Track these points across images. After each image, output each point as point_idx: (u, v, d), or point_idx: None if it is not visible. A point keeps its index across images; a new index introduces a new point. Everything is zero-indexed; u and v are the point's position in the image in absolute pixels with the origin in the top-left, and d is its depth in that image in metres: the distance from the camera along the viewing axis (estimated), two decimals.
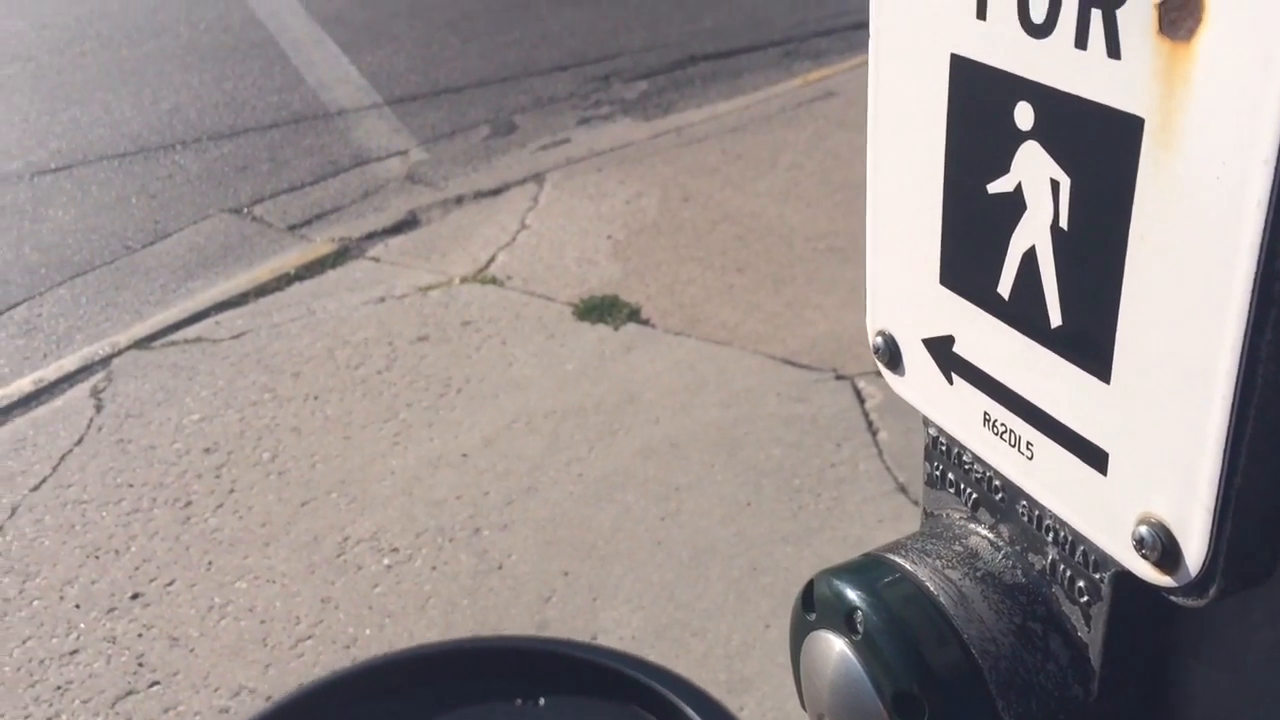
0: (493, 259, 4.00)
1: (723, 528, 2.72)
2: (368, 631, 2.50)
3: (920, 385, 0.53)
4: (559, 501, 2.84)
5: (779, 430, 3.02)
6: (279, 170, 4.83)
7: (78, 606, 2.61)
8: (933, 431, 0.55)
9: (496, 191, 4.51)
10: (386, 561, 2.69)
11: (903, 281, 0.52)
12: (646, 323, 3.56)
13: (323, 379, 3.38)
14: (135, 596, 2.63)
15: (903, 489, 2.78)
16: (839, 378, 3.21)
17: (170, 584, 2.66)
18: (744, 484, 2.85)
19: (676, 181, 4.45)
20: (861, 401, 3.10)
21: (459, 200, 4.47)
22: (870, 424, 3.01)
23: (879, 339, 0.55)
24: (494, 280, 3.86)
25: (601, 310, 3.63)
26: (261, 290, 3.88)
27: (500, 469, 2.97)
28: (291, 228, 4.40)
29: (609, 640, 2.43)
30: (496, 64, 5.78)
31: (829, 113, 4.93)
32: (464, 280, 3.87)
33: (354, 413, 3.23)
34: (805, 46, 5.80)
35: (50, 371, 3.50)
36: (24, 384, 3.45)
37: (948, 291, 0.50)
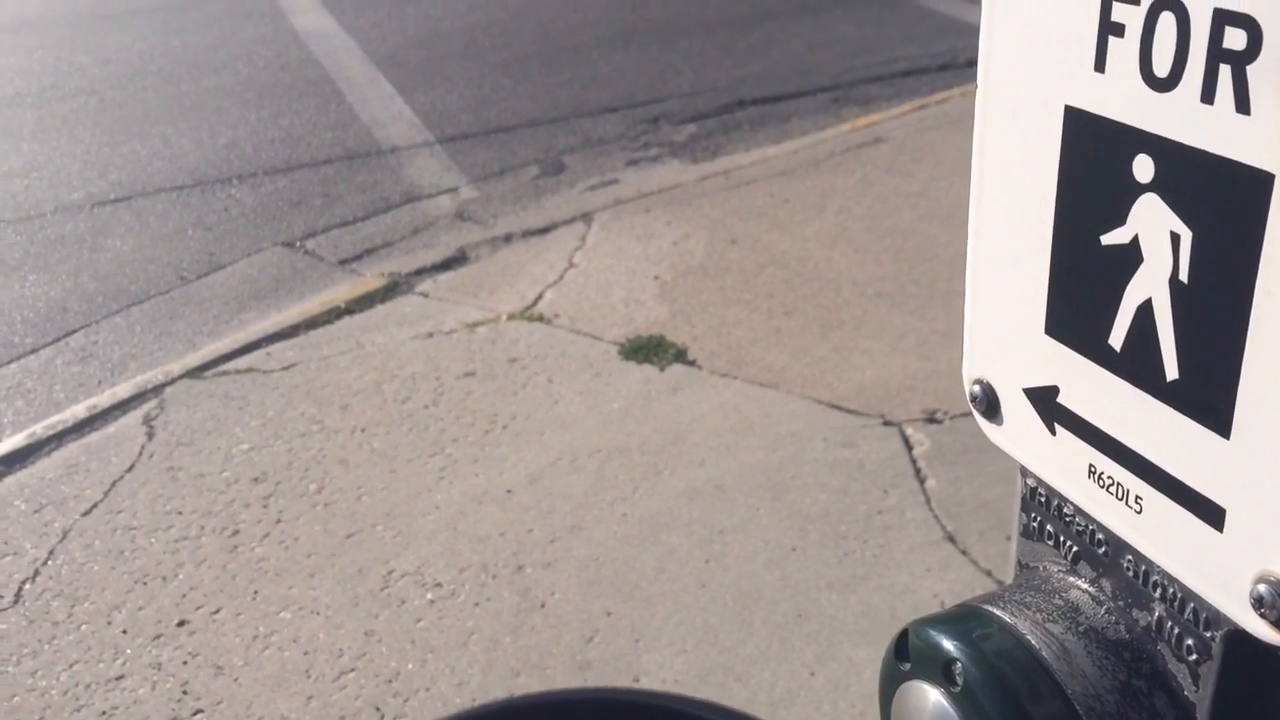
0: (540, 297, 4.02)
1: (767, 572, 2.70)
2: (410, 666, 2.49)
3: (1019, 435, 0.53)
4: (603, 541, 2.84)
5: (825, 475, 3.00)
6: (331, 205, 4.90)
7: (125, 632, 2.63)
8: (1031, 482, 0.54)
9: (545, 230, 4.55)
10: (430, 596, 2.69)
11: (1004, 330, 0.52)
12: (692, 364, 3.56)
13: (370, 412, 3.41)
14: (181, 624, 2.64)
15: (951, 538, 2.75)
16: (886, 424, 3.19)
17: (216, 612, 2.67)
18: (789, 528, 2.83)
19: (724, 224, 4.47)
20: (909, 448, 3.07)
21: (507, 238, 4.51)
22: (918, 471, 2.98)
23: (976, 387, 0.55)
24: (541, 318, 3.88)
25: (648, 350, 3.64)
26: (312, 323, 3.92)
27: (544, 506, 2.97)
28: (342, 262, 4.46)
29: (651, 683, 2.41)
30: (547, 105, 5.85)
31: (877, 158, 4.94)
32: (511, 317, 3.90)
33: (400, 446, 3.25)
34: (854, 92, 5.82)
35: (104, 398, 3.55)
36: (78, 410, 3.50)
37: (1053, 341, 0.49)
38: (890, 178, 4.75)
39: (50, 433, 3.39)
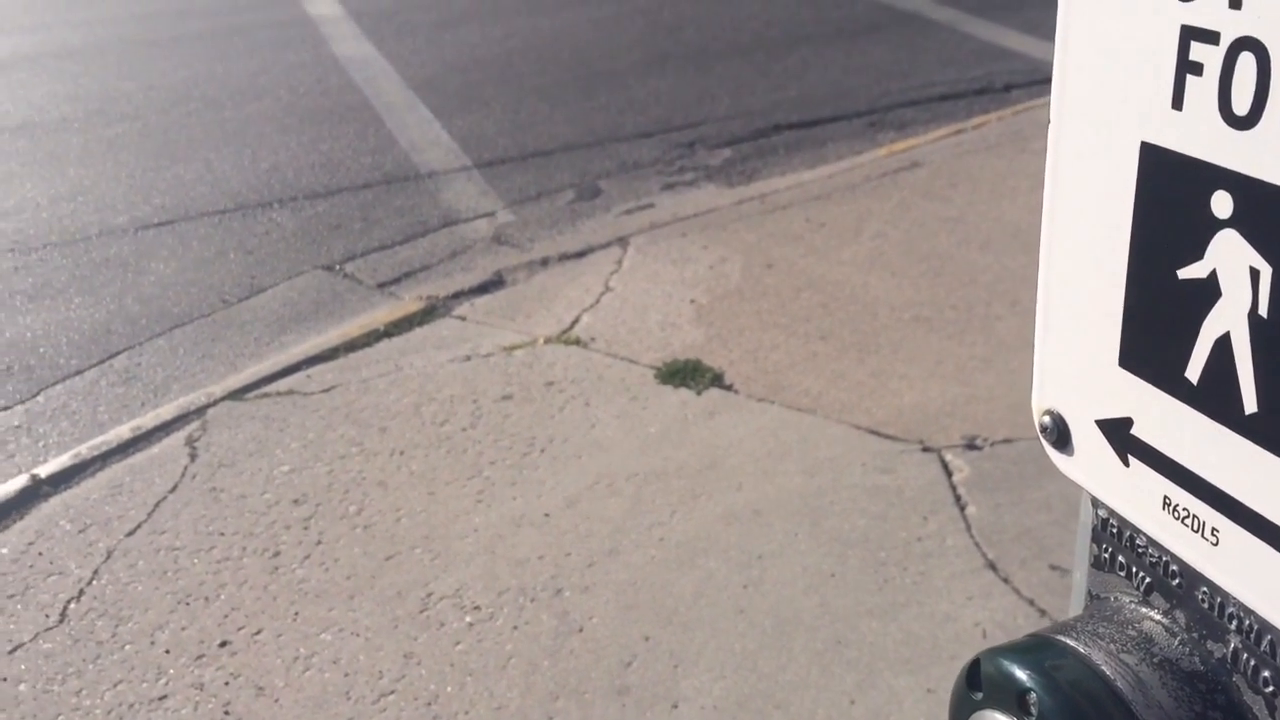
0: (576, 320, 4.04)
1: (806, 598, 2.68)
2: (449, 689, 2.50)
3: (1091, 466, 0.53)
4: (641, 565, 2.84)
5: (864, 501, 2.99)
6: (370, 229, 4.96)
7: (168, 652, 2.66)
8: (1102, 513, 0.55)
9: (581, 254, 4.57)
10: (469, 619, 2.70)
11: (1076, 362, 0.53)
12: (729, 388, 3.56)
13: (409, 434, 3.43)
14: (223, 644, 2.67)
15: (992, 565, 2.73)
16: (926, 450, 3.18)
17: (258, 633, 2.69)
18: (828, 554, 2.82)
19: (760, 248, 4.47)
20: (949, 474, 3.05)
21: (544, 262, 4.54)
22: (958, 498, 2.96)
23: (1046, 418, 0.55)
24: (578, 341, 3.90)
25: (684, 374, 3.65)
26: (351, 346, 3.96)
27: (582, 530, 2.97)
28: (381, 285, 4.51)
29: (689, 709, 2.41)
30: (583, 129, 5.90)
31: (914, 183, 4.93)
32: (548, 341, 3.92)
33: (439, 469, 3.27)
34: (890, 117, 5.82)
35: (148, 420, 3.60)
36: (122, 431, 3.55)
37: (1127, 374, 0.50)
38: (927, 202, 4.74)
39: (95, 453, 3.43)
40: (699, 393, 3.54)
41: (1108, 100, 0.48)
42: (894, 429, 3.28)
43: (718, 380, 3.60)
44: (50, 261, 4.78)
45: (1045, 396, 0.55)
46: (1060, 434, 0.55)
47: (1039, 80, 6.13)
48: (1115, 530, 0.55)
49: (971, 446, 3.16)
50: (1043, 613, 2.58)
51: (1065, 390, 0.54)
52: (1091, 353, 0.51)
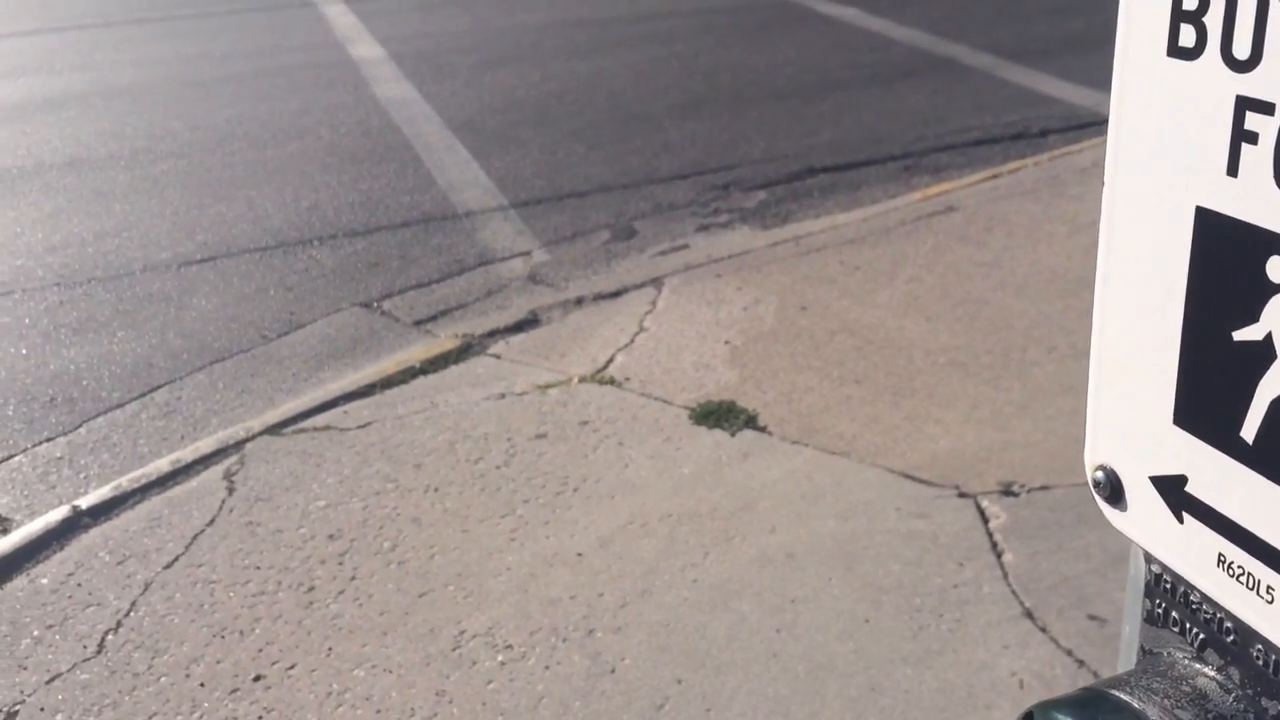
0: (611, 360, 4.06)
1: (840, 644, 2.67)
2: None
3: (1145, 523, 0.54)
4: (673, 607, 2.83)
5: (898, 546, 2.97)
6: (408, 267, 5.01)
7: (202, 685, 2.68)
8: (1155, 569, 0.55)
9: (615, 294, 4.60)
10: (501, 658, 2.70)
11: (1130, 419, 0.53)
12: (763, 430, 3.56)
13: (443, 471, 3.45)
14: (258, 679, 2.68)
15: (1029, 614, 2.70)
16: (961, 495, 3.16)
17: (291, 668, 2.71)
18: (862, 600, 2.80)
19: (794, 290, 4.48)
20: (985, 521, 3.03)
21: (579, 301, 4.57)
22: (994, 545, 2.94)
23: (1099, 473, 0.56)
24: (612, 381, 3.91)
25: (718, 415, 3.65)
26: (388, 382, 4.00)
27: (615, 570, 2.97)
28: (418, 323, 4.55)
29: None
30: (618, 171, 5.95)
31: (949, 227, 4.93)
32: (582, 380, 3.94)
33: (472, 506, 3.28)
34: (925, 161, 5.84)
35: (187, 453, 3.64)
36: (162, 464, 3.60)
37: (1182, 432, 0.50)
38: (962, 246, 4.74)
39: (135, 485, 3.48)
40: (733, 434, 3.55)
41: (1163, 165, 0.49)
42: (929, 474, 3.27)
43: (752, 422, 3.60)
44: (95, 296, 4.87)
45: (1098, 452, 0.56)
46: (1113, 489, 0.55)
47: (1075, 126, 6.14)
48: (1169, 586, 0.55)
49: (1008, 493, 3.14)
50: (1081, 663, 2.55)
51: (1119, 446, 0.55)
52: (1146, 410, 0.52)
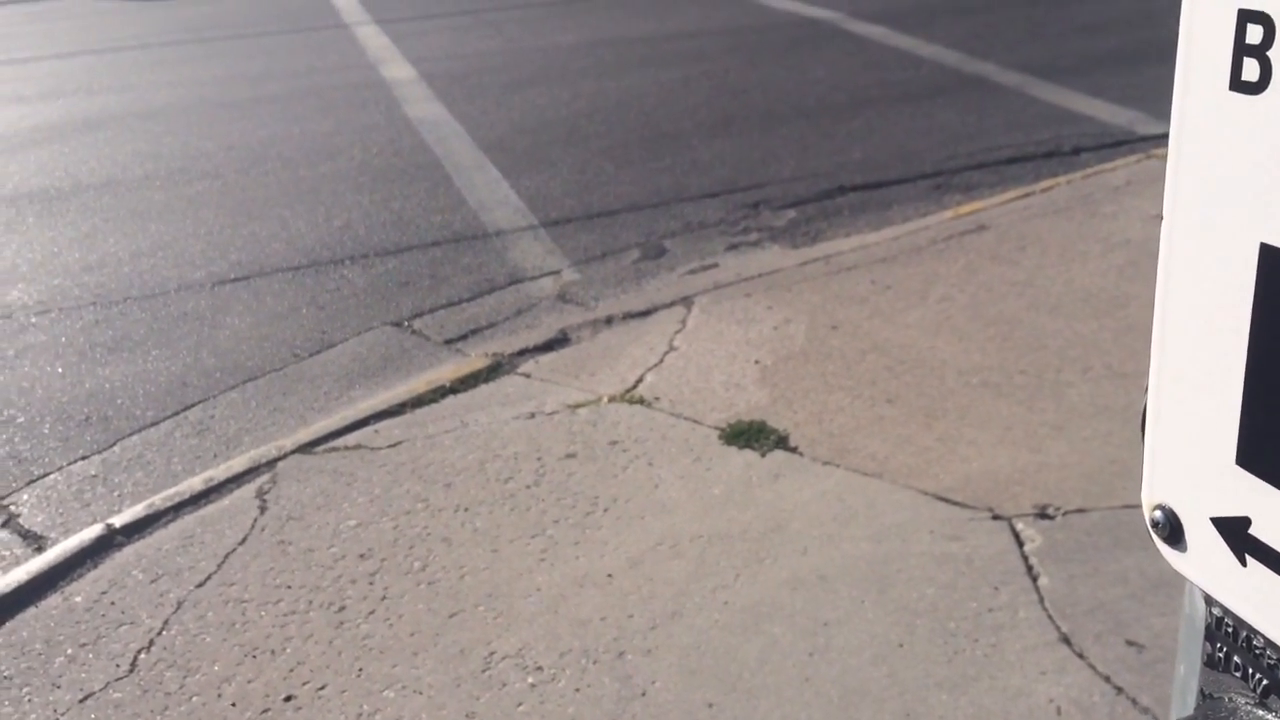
0: (640, 379, 4.05)
1: (874, 668, 2.64)
2: None
3: (1206, 565, 0.52)
4: (704, 629, 2.81)
5: (932, 569, 2.94)
6: (438, 286, 5.04)
7: (234, 705, 2.68)
8: (1216, 612, 0.54)
9: (645, 313, 4.60)
10: (530, 680, 2.69)
11: (1191, 459, 0.52)
12: (794, 450, 3.54)
13: (473, 491, 3.45)
14: (288, 699, 2.68)
15: (1066, 639, 2.66)
16: (995, 517, 3.12)
17: (322, 688, 2.71)
18: (895, 623, 2.77)
19: (824, 309, 4.46)
20: (1020, 544, 3.00)
21: (608, 320, 4.57)
22: (1030, 568, 2.90)
23: (1158, 513, 0.54)
24: (641, 401, 3.91)
25: (748, 435, 3.63)
26: (418, 401, 4.01)
27: (645, 592, 2.96)
28: (448, 342, 4.57)
29: None
30: (648, 190, 5.96)
31: (981, 246, 4.90)
32: (612, 399, 3.93)
33: (502, 526, 3.28)
34: (956, 179, 5.81)
35: (220, 472, 3.67)
36: (195, 483, 3.62)
37: (1245, 473, 0.49)
38: (995, 265, 4.71)
39: (168, 504, 3.50)
40: (763, 454, 3.53)
41: (1225, 200, 0.48)
42: (963, 496, 3.23)
43: (782, 442, 3.58)
44: (130, 315, 4.93)
45: (1156, 491, 0.55)
46: (1173, 530, 0.54)
47: (1108, 144, 6.09)
48: (1230, 630, 0.53)
49: (1043, 515, 3.10)
50: (1119, 690, 2.50)
51: (1178, 486, 0.53)
52: (1207, 450, 0.51)
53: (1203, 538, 0.52)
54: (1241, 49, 0.45)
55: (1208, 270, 0.49)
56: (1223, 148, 0.47)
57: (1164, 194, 0.51)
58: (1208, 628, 0.55)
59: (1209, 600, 0.54)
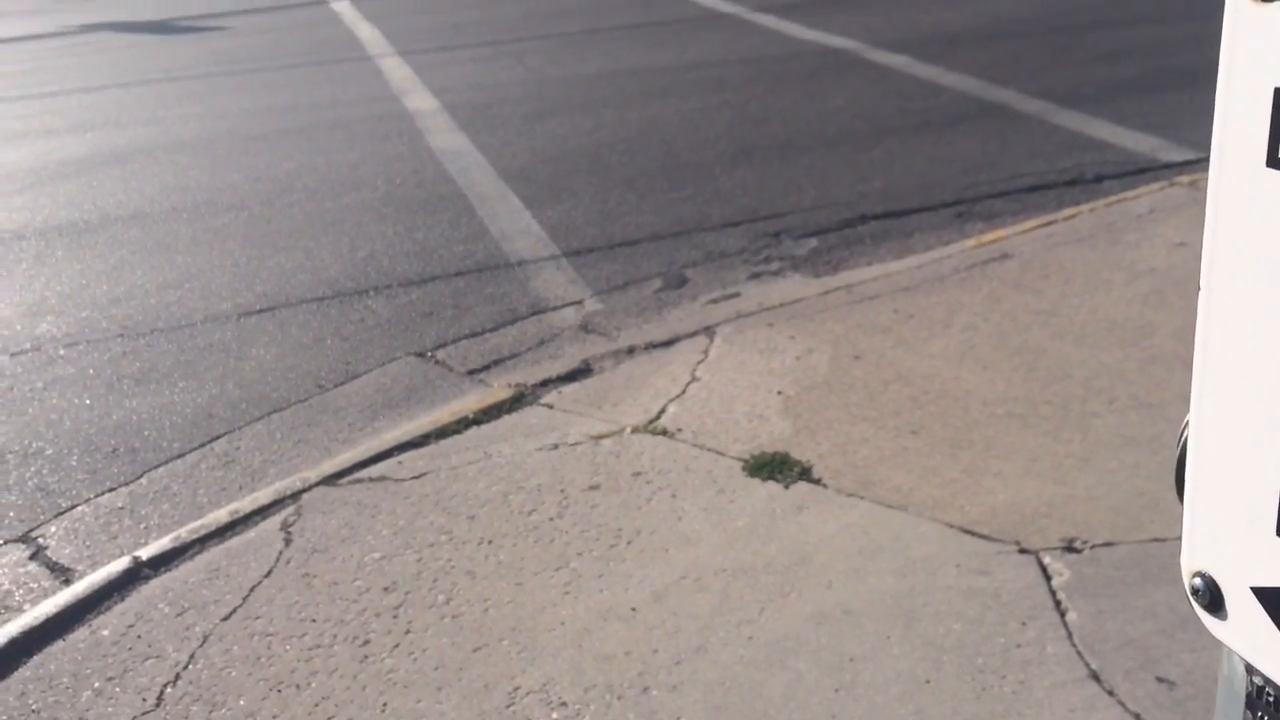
0: (663, 410, 4.05)
1: (900, 705, 2.61)
2: None
3: (1247, 633, 0.52)
4: (729, 664, 2.79)
5: (959, 604, 2.92)
6: (461, 317, 5.06)
7: None
8: (1258, 680, 0.53)
9: (668, 343, 4.61)
10: (555, 716, 2.68)
11: (1231, 527, 0.52)
12: (818, 482, 3.53)
13: (497, 523, 3.46)
14: None
15: (1095, 676, 2.63)
16: (1022, 551, 3.09)
17: None
18: (922, 659, 2.74)
19: (847, 339, 4.46)
20: (1047, 578, 2.97)
21: (631, 350, 4.58)
22: (1058, 603, 2.87)
23: (1198, 580, 0.54)
24: (664, 431, 3.91)
25: (772, 467, 3.62)
26: (442, 432, 4.02)
27: (669, 626, 2.95)
28: (471, 372, 4.59)
29: None
30: (670, 219, 5.98)
31: (1004, 274, 4.89)
32: (635, 430, 3.93)
33: (526, 559, 3.28)
34: (978, 208, 5.80)
35: (245, 504, 3.68)
36: (220, 515, 3.64)
37: None
38: (1018, 294, 4.69)
39: (194, 536, 3.52)
40: (787, 486, 3.52)
41: (1264, 275, 0.48)
42: (989, 529, 3.21)
43: (806, 474, 3.57)
44: (157, 346, 4.97)
45: (1195, 558, 0.54)
46: (1213, 598, 0.54)
47: (1131, 171, 6.07)
48: (1273, 699, 0.53)
49: (1071, 549, 3.07)
50: None
51: (1218, 554, 0.53)
52: (1248, 519, 0.50)
53: (1244, 606, 0.52)
54: None
55: (1245, 343, 0.49)
56: (1260, 223, 0.47)
57: (1200, 270, 0.51)
58: (1248, 696, 0.54)
59: (1249, 669, 0.53)
